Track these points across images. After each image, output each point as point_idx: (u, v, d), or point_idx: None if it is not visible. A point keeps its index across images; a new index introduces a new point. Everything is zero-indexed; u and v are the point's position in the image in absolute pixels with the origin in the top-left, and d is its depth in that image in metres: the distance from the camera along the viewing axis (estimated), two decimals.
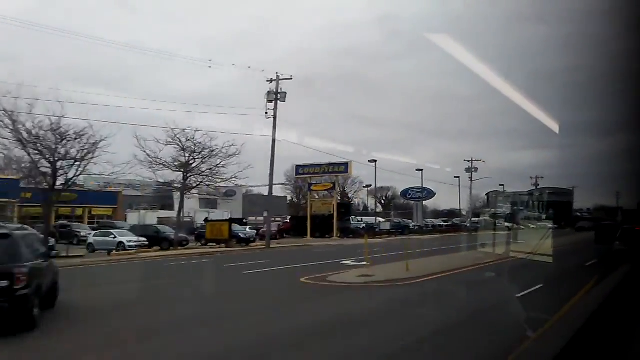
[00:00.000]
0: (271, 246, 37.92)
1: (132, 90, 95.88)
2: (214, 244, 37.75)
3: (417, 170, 70.46)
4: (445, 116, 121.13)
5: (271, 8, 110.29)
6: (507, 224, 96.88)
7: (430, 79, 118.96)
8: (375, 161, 60.12)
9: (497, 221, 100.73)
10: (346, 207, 60.86)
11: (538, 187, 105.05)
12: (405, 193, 77.41)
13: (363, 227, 61.82)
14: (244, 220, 66.59)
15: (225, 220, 40.83)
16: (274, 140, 37.04)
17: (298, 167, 56.73)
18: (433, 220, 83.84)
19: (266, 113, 36.36)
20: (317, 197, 59.16)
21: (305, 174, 56.62)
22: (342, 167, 54.50)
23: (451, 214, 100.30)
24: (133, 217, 74.02)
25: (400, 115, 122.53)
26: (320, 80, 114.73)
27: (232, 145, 33.89)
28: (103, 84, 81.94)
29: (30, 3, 73.30)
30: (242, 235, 40.09)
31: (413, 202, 76.61)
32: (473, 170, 74.37)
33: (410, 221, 75.22)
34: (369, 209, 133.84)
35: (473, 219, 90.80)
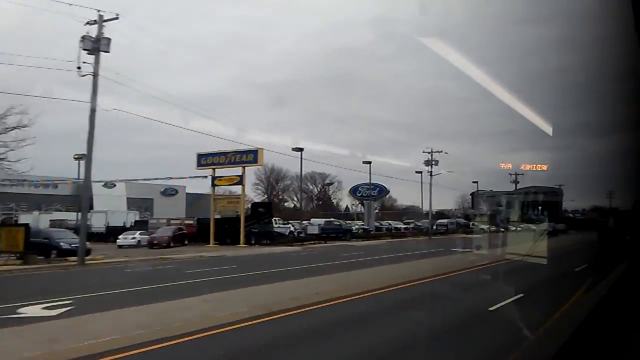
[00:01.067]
0: (88, 262, 26.41)
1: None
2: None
3: (364, 162, 59.16)
4: (439, 118, 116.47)
5: (264, 10, 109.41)
6: (482, 226, 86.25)
7: (424, 81, 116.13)
8: (301, 149, 48.78)
9: (472, 223, 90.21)
10: (266, 207, 49.41)
11: (518, 184, 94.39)
12: (354, 191, 66.16)
13: (290, 232, 50.67)
14: (148, 222, 55.33)
15: (20, 225, 29.33)
16: (93, 111, 25.59)
17: (200, 156, 45.26)
18: (391, 222, 72.54)
19: (79, 68, 24.95)
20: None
21: (208, 164, 45.18)
22: (251, 156, 43.09)
23: (440, 215, 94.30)
24: (26, 220, 62.59)
25: (394, 117, 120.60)
26: (314, 82, 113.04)
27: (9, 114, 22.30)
28: None
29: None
30: (64, 246, 28.67)
31: (364, 201, 65.23)
32: (433, 163, 63.01)
33: (360, 223, 63.89)
34: (350, 211, 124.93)
35: (440, 220, 79.88)
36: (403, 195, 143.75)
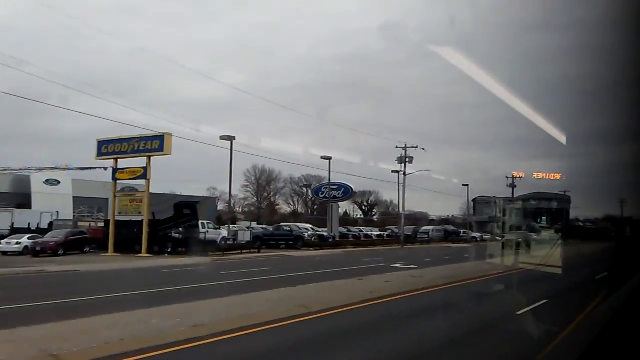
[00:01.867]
0: None
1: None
2: None
3: (322, 157, 50.25)
4: (451, 124, 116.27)
5: (275, 15, 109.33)
6: (474, 235, 77.37)
7: (435, 87, 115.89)
8: (232, 138, 40.14)
9: (462, 230, 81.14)
10: (191, 208, 40.74)
11: (515, 188, 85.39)
12: (317, 191, 57.40)
13: (222, 238, 42.09)
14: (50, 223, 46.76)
15: None
16: None
17: (100, 143, 36.86)
18: (362, 228, 63.54)
19: None
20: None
21: (109, 153, 36.81)
22: (157, 143, 34.61)
23: (444, 222, 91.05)
24: None
25: (406, 123, 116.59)
26: (324, 88, 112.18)
27: None
28: None
29: (32, 8, 71.12)
30: None
31: (327, 202, 56.30)
32: (407, 160, 54.00)
33: (322, 230, 55.02)
34: (350, 216, 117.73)
35: (425, 227, 71.03)
36: (408, 200, 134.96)
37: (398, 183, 56.86)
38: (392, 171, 58.03)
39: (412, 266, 26.89)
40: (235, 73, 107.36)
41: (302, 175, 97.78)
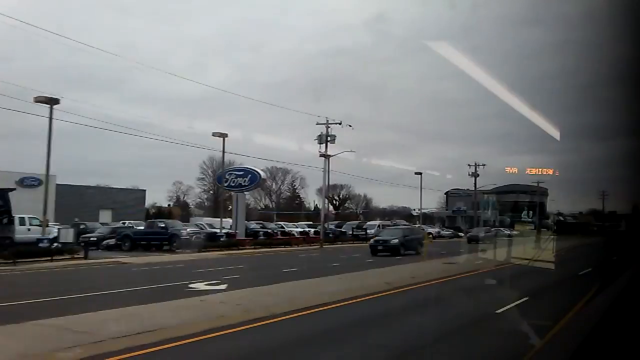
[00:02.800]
0: None
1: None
2: None
3: (214, 135, 38.92)
4: (443, 120, 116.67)
5: (263, 10, 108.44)
6: (430, 230, 67.22)
7: (426, 83, 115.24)
8: (53, 101, 28.83)
9: (419, 225, 70.90)
10: (2, 198, 29.39)
11: (478, 176, 75.57)
12: (220, 179, 46.11)
13: (52, 239, 30.74)
14: None
15: None
16: None
17: None
18: (284, 224, 52.36)
19: None
20: None
21: None
22: None
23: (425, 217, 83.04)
24: None
25: (396, 119, 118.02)
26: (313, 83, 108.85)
27: None
28: None
29: (20, 3, 69.50)
30: None
31: (233, 192, 45.02)
32: (329, 139, 42.96)
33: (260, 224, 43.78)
34: (320, 210, 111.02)
35: (371, 223, 60.35)
36: (394, 197, 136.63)
37: (327, 169, 45.80)
38: (321, 155, 47.04)
39: (220, 287, 15.92)
40: (222, 69, 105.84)
41: (267, 168, 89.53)
